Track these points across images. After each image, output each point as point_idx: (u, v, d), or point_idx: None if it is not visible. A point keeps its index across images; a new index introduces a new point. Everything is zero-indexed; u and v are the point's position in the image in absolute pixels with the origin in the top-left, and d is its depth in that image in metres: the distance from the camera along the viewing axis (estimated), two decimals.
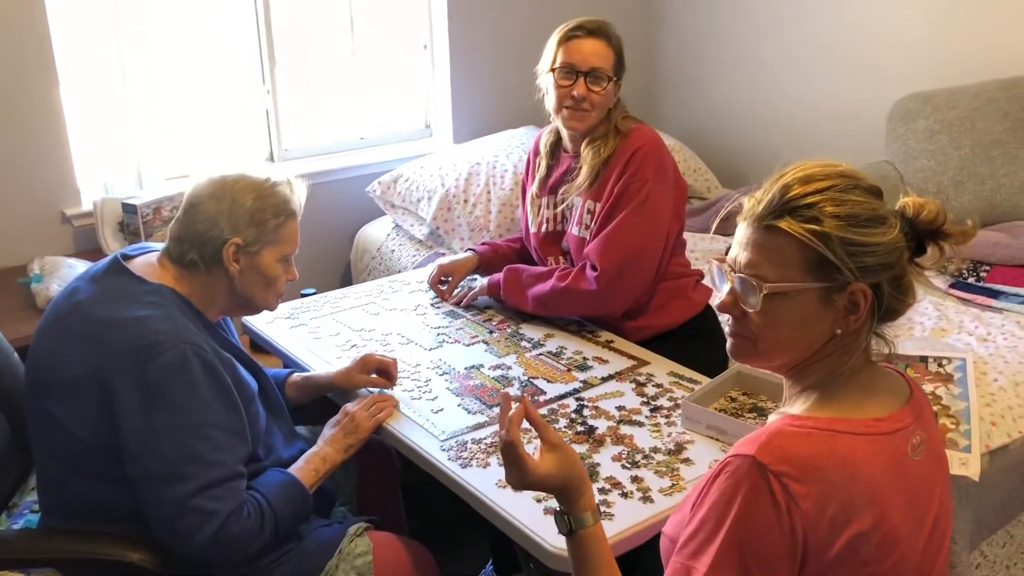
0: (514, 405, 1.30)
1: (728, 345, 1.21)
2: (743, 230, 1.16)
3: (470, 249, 2.54)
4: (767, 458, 1.05)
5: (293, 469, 1.71)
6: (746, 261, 1.14)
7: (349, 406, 1.84)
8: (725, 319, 1.20)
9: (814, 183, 1.11)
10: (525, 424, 1.29)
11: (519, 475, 1.25)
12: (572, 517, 1.24)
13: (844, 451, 1.07)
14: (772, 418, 1.20)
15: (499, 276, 2.33)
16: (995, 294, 2.60)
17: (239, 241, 1.65)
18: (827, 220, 1.08)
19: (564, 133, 2.31)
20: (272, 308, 1.80)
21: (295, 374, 2.01)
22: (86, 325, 1.58)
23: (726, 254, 1.20)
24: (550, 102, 2.23)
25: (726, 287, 1.17)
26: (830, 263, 1.08)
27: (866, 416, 1.12)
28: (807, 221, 1.09)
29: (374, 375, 1.95)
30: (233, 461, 1.58)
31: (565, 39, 2.19)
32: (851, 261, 1.08)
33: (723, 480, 1.07)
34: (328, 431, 1.80)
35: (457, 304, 2.40)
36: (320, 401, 2.07)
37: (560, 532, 1.26)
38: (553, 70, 2.19)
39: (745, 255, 1.14)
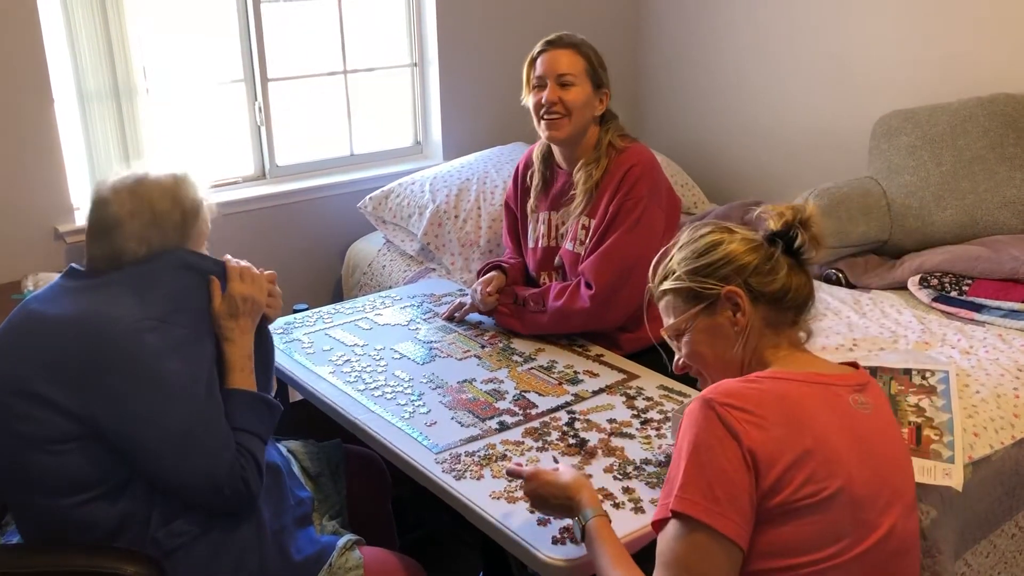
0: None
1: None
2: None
3: (495, 266, 2.49)
4: (713, 395, 1.26)
5: (233, 383, 1.65)
6: (665, 326, 1.47)
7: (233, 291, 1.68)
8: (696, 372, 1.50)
9: (670, 251, 1.48)
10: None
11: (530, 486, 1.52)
12: (577, 519, 1.43)
13: (780, 388, 1.29)
14: None
15: None
16: (977, 307, 2.63)
17: None
18: (675, 265, 1.44)
19: (554, 148, 2.36)
20: None
21: None
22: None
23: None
24: (533, 119, 2.31)
25: (677, 355, 1.49)
26: (693, 290, 1.41)
27: (803, 371, 1.35)
28: (667, 276, 1.45)
29: None
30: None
31: (533, 59, 2.30)
32: (707, 280, 1.39)
33: (685, 425, 1.28)
34: (226, 327, 1.67)
35: (448, 319, 2.43)
36: (305, 415, 2.10)
37: (580, 542, 1.44)
38: (529, 89, 2.30)
39: (664, 321, 1.48)
